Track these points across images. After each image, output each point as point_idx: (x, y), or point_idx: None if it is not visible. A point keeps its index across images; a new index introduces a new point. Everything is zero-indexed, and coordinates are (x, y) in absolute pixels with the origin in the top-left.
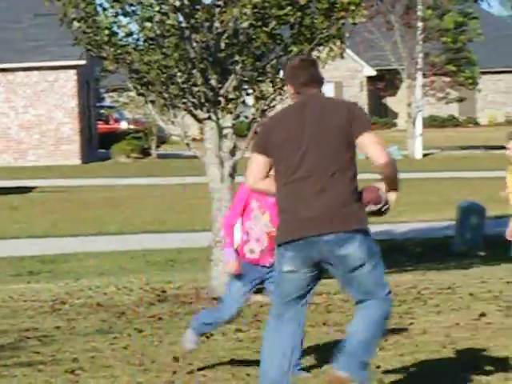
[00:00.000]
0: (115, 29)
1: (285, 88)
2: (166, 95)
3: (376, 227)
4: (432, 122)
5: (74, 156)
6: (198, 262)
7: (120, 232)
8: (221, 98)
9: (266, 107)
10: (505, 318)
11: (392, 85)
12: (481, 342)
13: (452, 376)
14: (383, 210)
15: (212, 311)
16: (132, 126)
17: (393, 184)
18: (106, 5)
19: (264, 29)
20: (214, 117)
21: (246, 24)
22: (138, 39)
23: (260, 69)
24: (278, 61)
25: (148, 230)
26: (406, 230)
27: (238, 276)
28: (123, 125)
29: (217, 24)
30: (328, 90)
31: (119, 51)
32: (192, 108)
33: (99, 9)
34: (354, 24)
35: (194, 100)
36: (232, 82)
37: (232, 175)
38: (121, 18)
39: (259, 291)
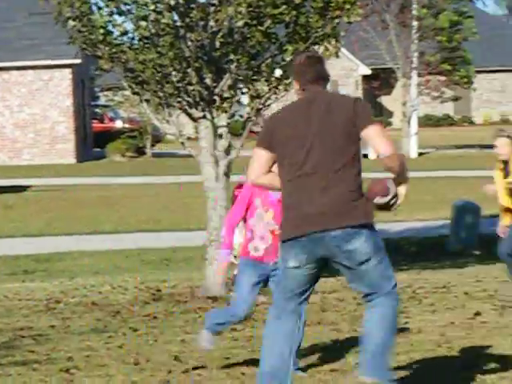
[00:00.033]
0: (110, 28)
1: (279, 87)
2: (160, 94)
3: None
4: (427, 121)
5: (68, 155)
6: (193, 260)
7: (115, 231)
8: (216, 97)
9: (260, 106)
10: (500, 317)
11: (387, 84)
12: (476, 341)
13: (447, 375)
14: (391, 203)
15: (223, 311)
16: (127, 125)
17: (401, 177)
18: (101, 4)
19: (259, 28)
20: (208, 116)
21: (240, 23)
22: (132, 38)
23: (255, 68)
24: (273, 60)
25: (143, 228)
26: (401, 229)
27: (244, 275)
28: (118, 124)
29: (212, 23)
30: None
31: (114, 50)
32: (187, 107)
33: (94, 8)
34: (349, 23)
35: (188, 99)
36: (227, 80)
37: (227, 174)
38: (116, 16)
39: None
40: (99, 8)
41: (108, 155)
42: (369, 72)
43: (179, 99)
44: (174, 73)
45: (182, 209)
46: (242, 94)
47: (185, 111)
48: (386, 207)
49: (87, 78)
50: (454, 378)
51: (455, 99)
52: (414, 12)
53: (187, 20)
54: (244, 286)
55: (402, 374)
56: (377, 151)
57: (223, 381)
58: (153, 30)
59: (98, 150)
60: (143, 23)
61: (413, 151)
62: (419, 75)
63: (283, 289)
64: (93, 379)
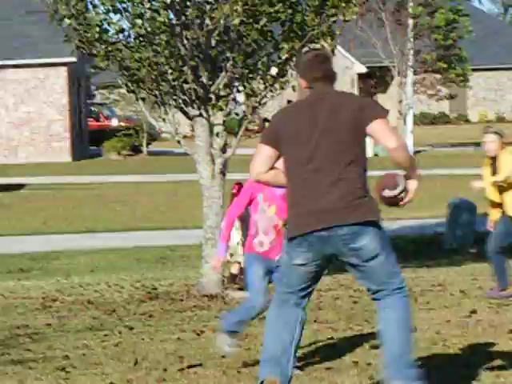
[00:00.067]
0: (106, 26)
1: (275, 85)
2: (156, 92)
3: None
4: (423, 119)
5: (64, 153)
6: (189, 259)
7: (111, 229)
8: (212, 95)
9: (256, 104)
10: (495, 315)
11: (383, 82)
12: (471, 339)
13: (442, 373)
14: (400, 196)
15: (239, 308)
16: (123, 123)
17: (410, 171)
18: (97, 2)
19: (255, 26)
20: (204, 114)
21: (236, 21)
22: (128, 36)
23: (251, 66)
24: (268, 58)
25: (139, 227)
26: (397, 227)
27: (251, 268)
28: (114, 122)
29: (208, 21)
30: None
31: (110, 48)
32: (183, 105)
33: (90, 6)
34: (346, 21)
35: (184, 97)
36: (223, 79)
37: (223, 172)
38: (111, 15)
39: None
40: (95, 6)
41: (104, 153)
42: (364, 70)
43: (175, 97)
44: (169, 71)
45: (178, 207)
46: (238, 92)
47: (181, 109)
48: (395, 202)
49: (83, 77)
50: (449, 375)
51: (451, 97)
52: (410, 10)
53: (183, 18)
54: (254, 279)
55: None
56: (383, 145)
57: (219, 379)
58: (149, 28)
59: (94, 148)
60: (139, 21)
61: (408, 149)
62: (415, 73)
63: (286, 284)
64: (89, 377)
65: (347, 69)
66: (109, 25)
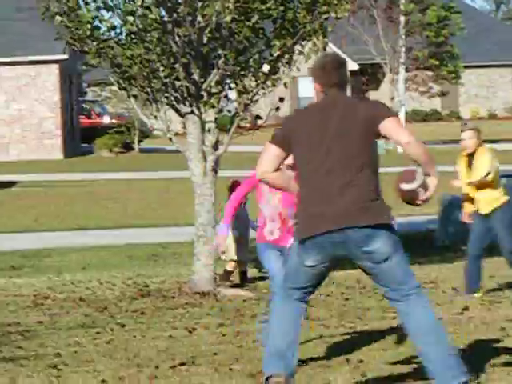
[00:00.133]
0: (97, 23)
1: (267, 82)
2: (148, 89)
3: None
4: (415, 116)
5: (56, 150)
6: (181, 256)
7: (103, 226)
8: (203, 93)
9: (248, 101)
10: (487, 313)
11: (374, 79)
12: (464, 336)
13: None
14: (417, 190)
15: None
16: (114, 121)
17: (428, 167)
18: None
19: (246, 23)
20: (196, 111)
21: (228, 18)
22: (120, 33)
23: (242, 63)
24: (260, 55)
25: (131, 224)
26: None
27: (265, 253)
28: (106, 119)
29: (199, 18)
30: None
31: (101, 45)
32: (174, 102)
33: (81, 3)
34: (337, 18)
35: (176, 94)
36: (215, 76)
37: (215, 170)
38: (103, 12)
39: (241, 286)
40: (86, 3)
41: (95, 151)
42: (356, 67)
43: (167, 94)
44: (161, 68)
45: (170, 204)
46: (230, 89)
47: (172, 107)
48: (413, 197)
49: (75, 74)
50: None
51: (443, 94)
52: (402, 7)
53: (175, 15)
54: (271, 261)
55: (390, 369)
56: (396, 141)
57: (211, 376)
58: (140, 26)
59: (86, 145)
60: (130, 18)
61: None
62: (407, 70)
63: (293, 281)
64: (80, 375)
65: None
66: (100, 22)
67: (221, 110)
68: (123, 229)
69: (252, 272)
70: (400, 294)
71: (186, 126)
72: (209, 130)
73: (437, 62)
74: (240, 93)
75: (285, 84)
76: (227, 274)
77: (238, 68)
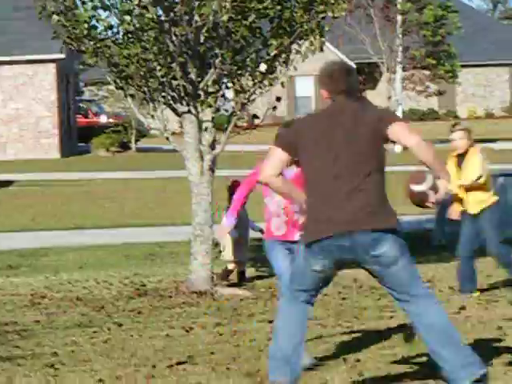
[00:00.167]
0: (94, 22)
1: (264, 81)
2: (145, 89)
3: None
4: (412, 116)
5: (53, 150)
6: (178, 256)
7: (100, 226)
8: (200, 92)
9: (245, 101)
10: (484, 312)
11: (371, 78)
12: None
13: (431, 370)
14: (427, 192)
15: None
16: (111, 120)
17: (437, 170)
18: None
19: (243, 22)
20: (193, 110)
21: (225, 17)
22: (117, 33)
23: (239, 62)
24: (257, 54)
25: (128, 223)
26: None
27: (273, 251)
28: (103, 118)
29: (196, 17)
30: (308, 84)
31: (98, 45)
32: (171, 102)
33: (78, 2)
34: (334, 18)
35: (173, 94)
36: (211, 75)
37: (212, 169)
38: (100, 11)
39: (238, 285)
40: (83, 2)
41: (92, 150)
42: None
43: (164, 94)
44: (158, 67)
45: (167, 204)
46: (227, 88)
47: (169, 106)
48: (422, 199)
49: (72, 73)
50: (438, 373)
51: (440, 94)
52: (399, 6)
53: (172, 14)
54: (279, 260)
55: (387, 368)
56: (405, 144)
57: (208, 375)
58: (137, 25)
59: (83, 144)
60: (127, 18)
61: (397, 146)
62: (404, 70)
63: (299, 283)
64: (77, 374)
65: None
66: (97, 21)
67: (218, 110)
68: (120, 228)
69: (249, 271)
70: (408, 296)
71: (182, 125)
72: (206, 130)
73: (434, 62)
74: (237, 92)
75: (282, 83)
76: (227, 273)
77: (235, 67)
